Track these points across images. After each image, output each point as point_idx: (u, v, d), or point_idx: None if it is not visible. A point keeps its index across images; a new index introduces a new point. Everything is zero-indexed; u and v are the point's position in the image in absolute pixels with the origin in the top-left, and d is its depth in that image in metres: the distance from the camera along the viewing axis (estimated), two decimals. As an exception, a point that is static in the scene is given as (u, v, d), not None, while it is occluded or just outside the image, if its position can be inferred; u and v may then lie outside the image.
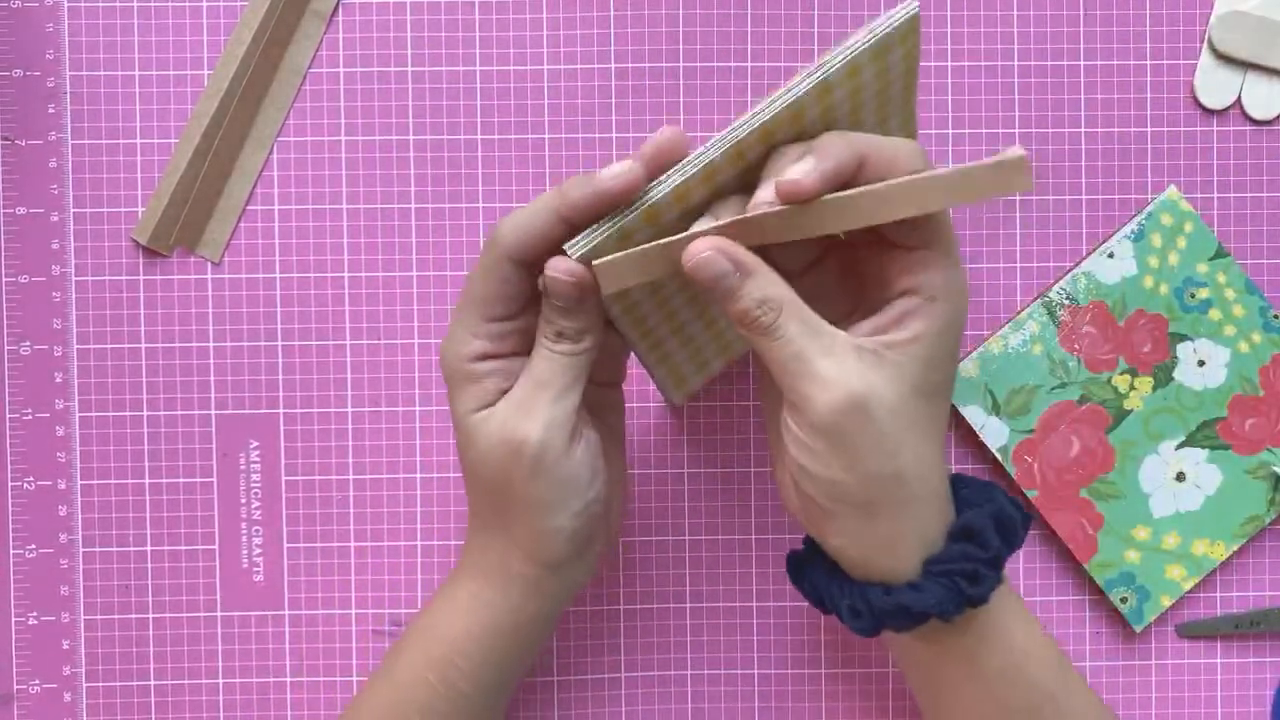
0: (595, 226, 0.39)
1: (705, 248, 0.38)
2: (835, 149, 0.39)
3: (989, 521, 0.41)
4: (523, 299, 0.41)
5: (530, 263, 0.41)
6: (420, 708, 0.44)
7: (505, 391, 0.42)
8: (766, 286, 0.39)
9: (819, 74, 0.39)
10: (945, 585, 0.40)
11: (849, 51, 0.39)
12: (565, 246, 0.39)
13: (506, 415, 0.41)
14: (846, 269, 0.44)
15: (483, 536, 0.44)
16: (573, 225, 0.39)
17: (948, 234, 0.40)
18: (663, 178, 0.39)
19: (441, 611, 0.44)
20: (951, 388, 0.42)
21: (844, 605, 0.42)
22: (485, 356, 0.41)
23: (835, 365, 0.38)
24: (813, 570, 0.44)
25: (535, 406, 0.40)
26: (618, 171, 0.39)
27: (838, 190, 0.39)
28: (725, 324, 0.49)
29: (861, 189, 0.38)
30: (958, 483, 0.43)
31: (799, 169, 0.38)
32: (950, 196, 0.38)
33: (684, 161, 0.39)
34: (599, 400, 0.45)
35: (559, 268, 0.39)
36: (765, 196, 0.39)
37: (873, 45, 0.39)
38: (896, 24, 0.39)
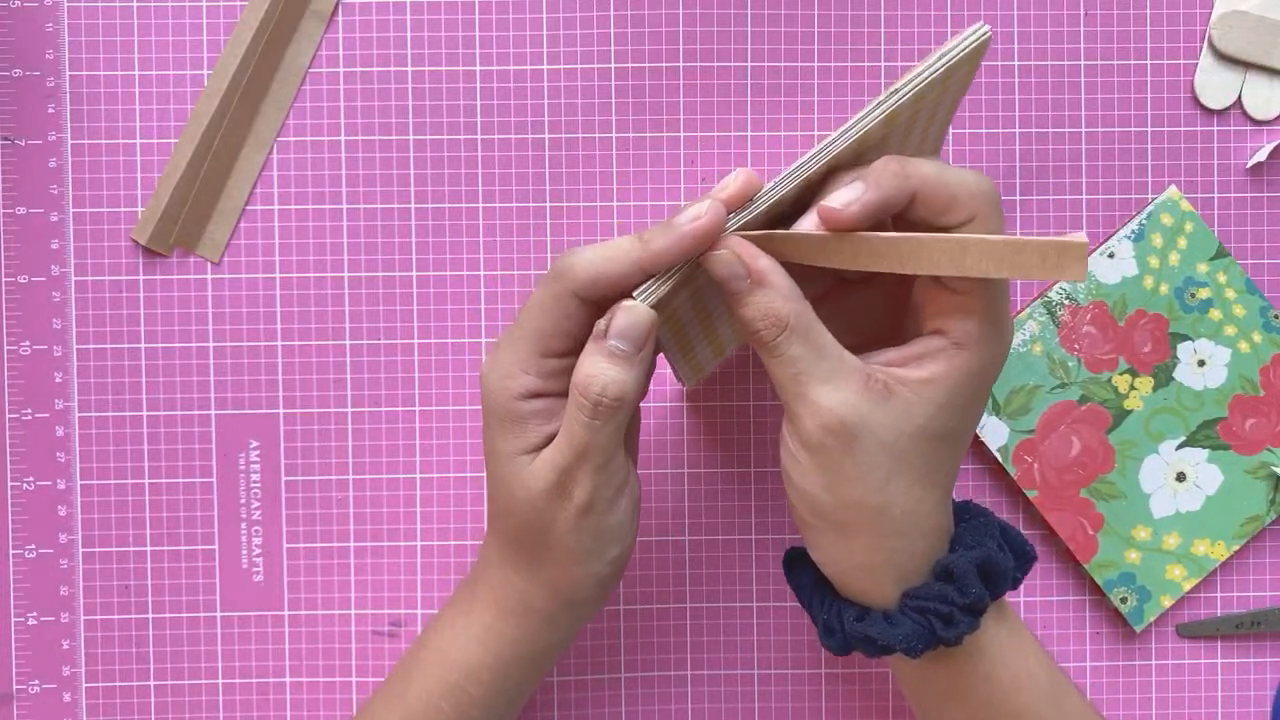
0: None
1: (724, 246, 0.38)
2: (886, 181, 0.37)
3: (972, 567, 0.39)
4: (580, 337, 0.40)
5: (594, 302, 0.39)
6: None
7: (548, 435, 0.40)
8: (775, 301, 0.38)
9: (890, 103, 0.38)
10: (917, 623, 0.39)
11: (920, 81, 0.38)
12: (635, 293, 0.38)
13: (553, 473, 0.39)
14: (893, 289, 0.42)
15: (503, 572, 0.43)
16: (650, 275, 0.38)
17: (998, 285, 0.39)
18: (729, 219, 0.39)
19: (456, 640, 0.44)
20: (970, 434, 0.41)
21: (820, 618, 0.42)
22: (533, 395, 0.40)
23: (831, 392, 0.38)
24: (804, 574, 0.43)
25: (580, 474, 0.39)
26: (697, 213, 0.38)
27: (881, 220, 0.38)
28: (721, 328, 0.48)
29: (903, 236, 0.37)
30: (962, 514, 0.42)
31: (842, 196, 0.37)
32: (994, 267, 0.36)
33: (752, 200, 0.39)
34: None
35: (636, 304, 0.38)
36: (809, 223, 0.38)
37: (943, 72, 0.38)
38: (968, 49, 0.38)
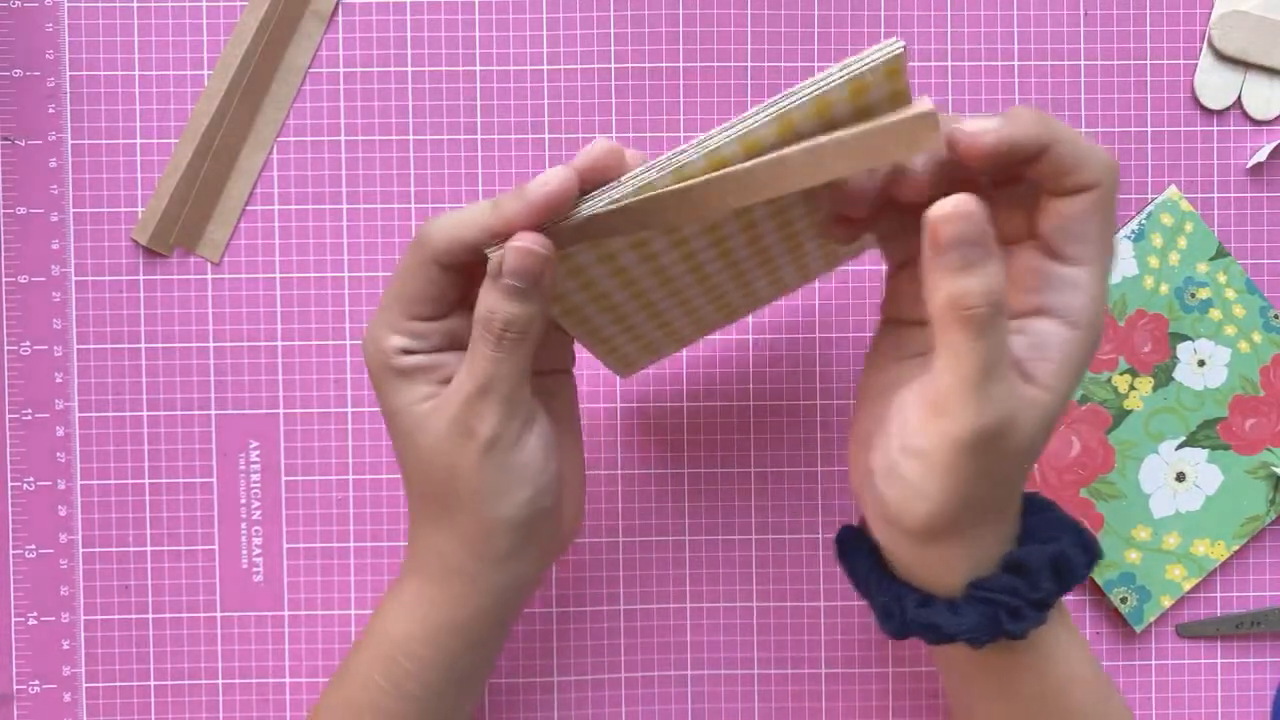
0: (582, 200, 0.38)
1: (967, 204, 0.34)
2: (1025, 122, 0.35)
3: (1046, 562, 0.38)
4: (447, 302, 0.40)
5: (457, 267, 0.39)
6: (372, 708, 0.43)
7: (441, 382, 0.40)
8: (1000, 278, 0.34)
9: (781, 104, 0.36)
10: (984, 614, 0.38)
11: (817, 86, 0.35)
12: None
13: (455, 409, 0.39)
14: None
15: (424, 532, 0.42)
16: (503, 240, 0.38)
17: (1109, 255, 0.37)
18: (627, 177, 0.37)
19: (388, 611, 0.43)
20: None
21: (878, 601, 0.40)
22: (408, 352, 0.40)
23: (1005, 392, 0.35)
24: (859, 555, 0.42)
25: (483, 406, 0.39)
26: (546, 179, 0.37)
27: (1003, 167, 0.36)
28: (675, 319, 0.46)
29: (762, 160, 0.36)
30: (1031, 506, 0.41)
31: (980, 123, 0.35)
32: (855, 161, 0.35)
33: (619, 180, 0.37)
34: (546, 389, 0.43)
35: (525, 239, 0.37)
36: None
37: (845, 80, 0.35)
38: (873, 62, 0.35)
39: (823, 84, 0.35)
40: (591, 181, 0.37)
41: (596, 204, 0.37)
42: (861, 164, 0.35)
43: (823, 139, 0.35)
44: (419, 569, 0.43)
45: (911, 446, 0.37)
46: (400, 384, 0.40)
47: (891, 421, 0.38)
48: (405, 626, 0.43)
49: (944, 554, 0.38)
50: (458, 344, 0.40)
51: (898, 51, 0.35)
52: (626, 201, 0.37)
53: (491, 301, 0.38)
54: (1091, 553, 0.40)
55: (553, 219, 0.37)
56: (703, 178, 0.36)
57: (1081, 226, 0.36)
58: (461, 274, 0.39)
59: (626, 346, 0.46)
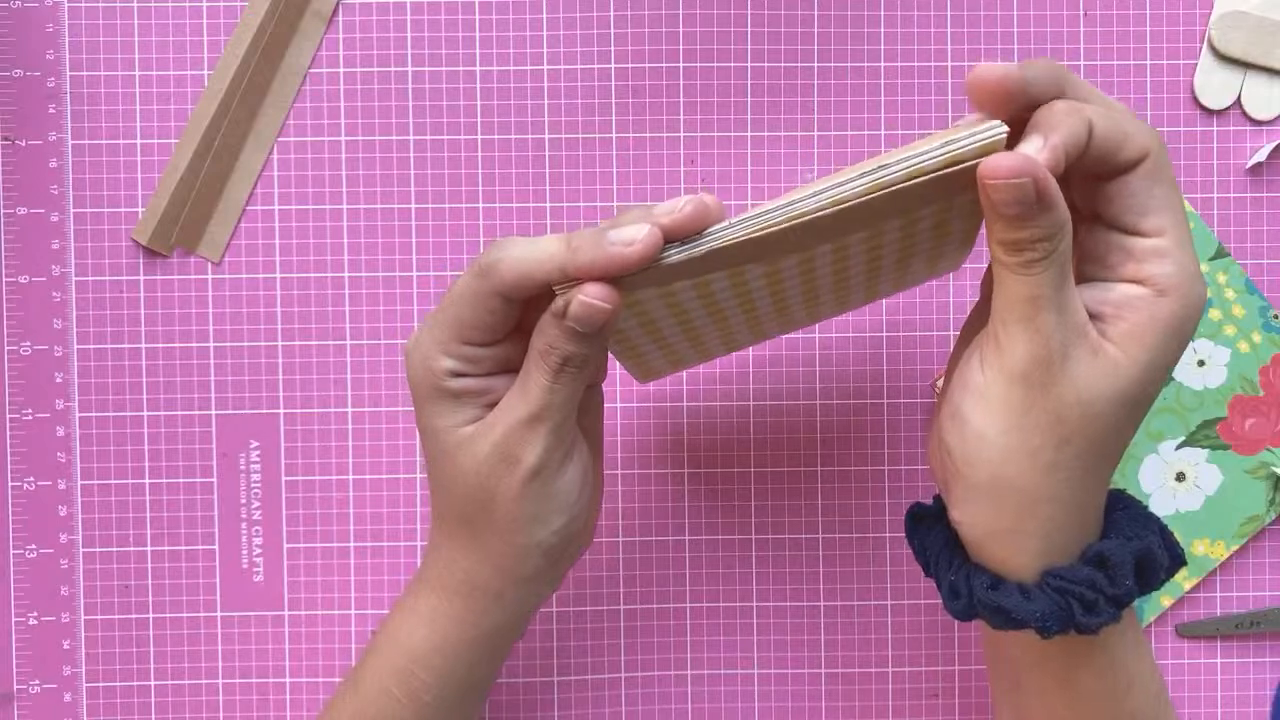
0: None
1: (1021, 168, 0.34)
2: (1061, 119, 0.35)
3: (1130, 558, 0.37)
4: (504, 330, 0.40)
5: (520, 300, 0.39)
6: (384, 718, 0.43)
7: (487, 406, 0.40)
8: (1055, 223, 0.35)
9: (876, 174, 0.35)
10: (1057, 603, 0.37)
11: (915, 159, 0.35)
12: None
13: (501, 435, 0.39)
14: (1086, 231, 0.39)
15: (449, 553, 0.42)
16: (572, 280, 0.37)
17: (1184, 219, 0.37)
18: (708, 232, 0.37)
19: (404, 623, 0.43)
20: (1152, 404, 0.38)
21: (946, 580, 0.40)
22: (459, 375, 0.40)
23: (1058, 326, 0.35)
24: (930, 532, 0.41)
25: (532, 435, 0.39)
26: (632, 238, 0.36)
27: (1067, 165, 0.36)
28: (709, 339, 0.46)
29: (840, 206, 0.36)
30: (1115, 503, 0.40)
31: (1030, 145, 0.35)
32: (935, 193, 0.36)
33: (702, 234, 0.37)
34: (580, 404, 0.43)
35: (595, 293, 0.37)
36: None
37: (943, 161, 0.35)
38: (976, 142, 0.35)
39: (920, 158, 0.35)
40: (674, 237, 0.37)
41: (674, 257, 0.37)
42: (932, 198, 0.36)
43: (907, 181, 0.35)
44: (438, 584, 0.42)
45: (971, 383, 0.37)
46: (447, 405, 0.40)
47: (958, 372, 0.38)
48: (423, 640, 0.43)
49: (1016, 531, 0.38)
50: (508, 368, 0.40)
51: (1000, 136, 0.35)
52: (706, 249, 0.37)
53: (552, 338, 0.38)
54: (1176, 555, 0.39)
55: (627, 274, 0.37)
56: (779, 227, 0.36)
57: (1145, 198, 0.36)
58: (522, 306, 0.39)
59: (654, 359, 0.46)
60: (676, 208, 0.36)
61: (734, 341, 0.47)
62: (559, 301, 0.38)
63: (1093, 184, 0.37)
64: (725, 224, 0.36)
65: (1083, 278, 0.38)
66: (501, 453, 0.39)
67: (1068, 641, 0.39)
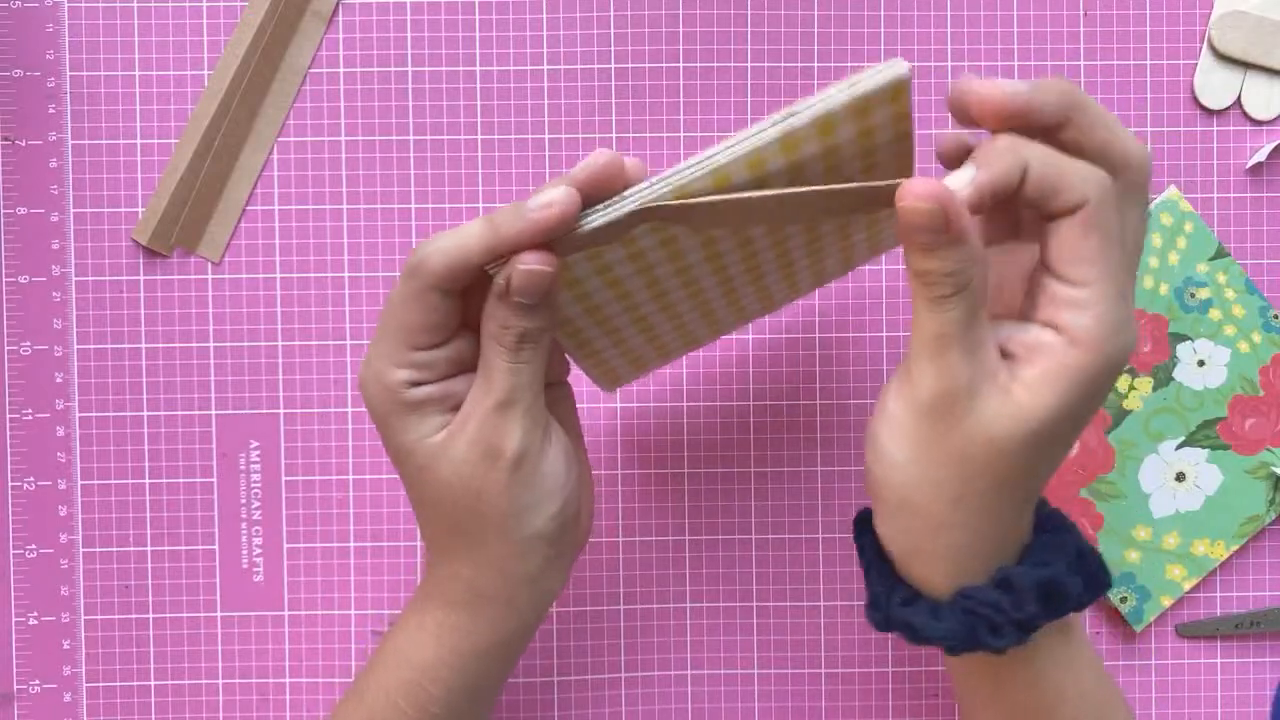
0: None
1: (934, 193, 0.34)
2: (996, 158, 0.35)
3: (1032, 585, 0.38)
4: (449, 328, 0.39)
5: (456, 292, 0.39)
6: None
7: (451, 410, 0.40)
8: (966, 261, 0.35)
9: (785, 120, 0.36)
10: (964, 624, 0.38)
11: (821, 103, 0.35)
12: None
13: (474, 430, 0.39)
14: (1022, 268, 0.40)
15: (447, 567, 0.41)
16: (504, 258, 0.37)
17: (1118, 277, 0.36)
18: (629, 192, 0.37)
19: (409, 638, 0.43)
20: (1076, 438, 0.38)
21: (872, 591, 0.41)
22: (414, 384, 0.39)
23: (964, 366, 0.36)
24: (866, 539, 0.42)
25: (507, 422, 0.39)
26: (549, 200, 0.36)
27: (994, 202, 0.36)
28: (663, 332, 0.46)
29: (761, 194, 0.36)
30: (1044, 524, 0.40)
31: (958, 178, 0.35)
32: (842, 209, 0.36)
33: (623, 194, 0.37)
34: (549, 399, 0.43)
35: (532, 260, 0.37)
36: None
37: (850, 101, 0.35)
38: (879, 84, 0.35)
39: (827, 101, 0.35)
40: (591, 194, 0.37)
41: (598, 220, 0.37)
42: (847, 213, 0.37)
43: (823, 187, 0.36)
44: (443, 598, 0.42)
45: (886, 409, 0.38)
46: (411, 419, 0.39)
47: (881, 394, 0.39)
48: (432, 654, 0.42)
49: (927, 552, 0.38)
50: (463, 368, 0.40)
51: (903, 74, 0.35)
52: (626, 212, 0.37)
53: (502, 318, 0.38)
54: (1095, 582, 0.40)
55: (554, 237, 0.37)
56: (707, 199, 0.36)
57: (1076, 246, 0.36)
58: (460, 297, 0.39)
59: (614, 360, 0.46)
60: (587, 163, 0.37)
61: (690, 334, 0.47)
62: (499, 280, 0.38)
63: (1041, 221, 0.37)
64: (645, 183, 0.37)
65: (1017, 312, 0.38)
66: (481, 448, 0.39)
67: (992, 657, 0.40)
